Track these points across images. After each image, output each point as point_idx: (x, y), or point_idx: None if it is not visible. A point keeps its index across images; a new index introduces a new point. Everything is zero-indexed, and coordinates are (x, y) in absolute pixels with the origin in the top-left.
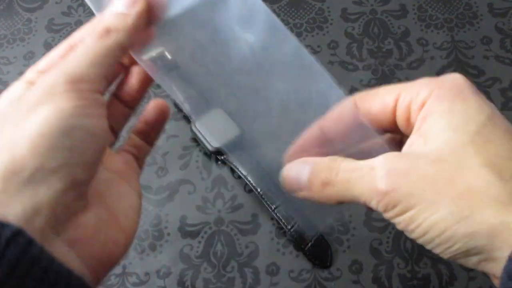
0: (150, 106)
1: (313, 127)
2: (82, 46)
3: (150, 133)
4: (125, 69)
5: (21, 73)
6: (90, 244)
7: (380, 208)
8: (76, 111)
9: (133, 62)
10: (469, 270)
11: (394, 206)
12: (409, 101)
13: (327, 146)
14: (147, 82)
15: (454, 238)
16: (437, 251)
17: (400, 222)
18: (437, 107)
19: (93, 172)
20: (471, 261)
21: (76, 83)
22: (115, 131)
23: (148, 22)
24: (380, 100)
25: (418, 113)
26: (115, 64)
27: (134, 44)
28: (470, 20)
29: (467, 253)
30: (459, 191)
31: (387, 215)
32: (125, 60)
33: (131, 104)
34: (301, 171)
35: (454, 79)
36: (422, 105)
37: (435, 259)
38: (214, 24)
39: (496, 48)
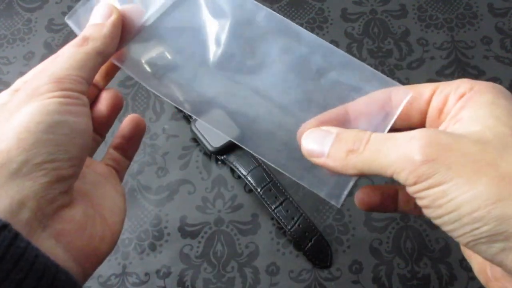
0: (126, 121)
1: (340, 107)
2: (64, 54)
3: (128, 147)
4: (99, 93)
5: (21, 73)
6: (76, 238)
7: (410, 179)
8: (61, 108)
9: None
10: (469, 270)
11: (427, 178)
12: (448, 93)
13: (346, 126)
14: (116, 108)
15: (486, 219)
16: (458, 232)
17: (429, 195)
18: (478, 98)
19: (77, 168)
20: (493, 248)
21: (59, 82)
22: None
23: (126, 30)
24: (416, 90)
25: (456, 103)
26: (95, 70)
27: (111, 50)
28: (470, 20)
29: (493, 237)
30: (501, 172)
31: (415, 188)
32: (101, 83)
33: (101, 131)
34: (324, 137)
35: (494, 84)
36: (461, 96)
37: (435, 259)
38: (192, 22)
39: (496, 48)
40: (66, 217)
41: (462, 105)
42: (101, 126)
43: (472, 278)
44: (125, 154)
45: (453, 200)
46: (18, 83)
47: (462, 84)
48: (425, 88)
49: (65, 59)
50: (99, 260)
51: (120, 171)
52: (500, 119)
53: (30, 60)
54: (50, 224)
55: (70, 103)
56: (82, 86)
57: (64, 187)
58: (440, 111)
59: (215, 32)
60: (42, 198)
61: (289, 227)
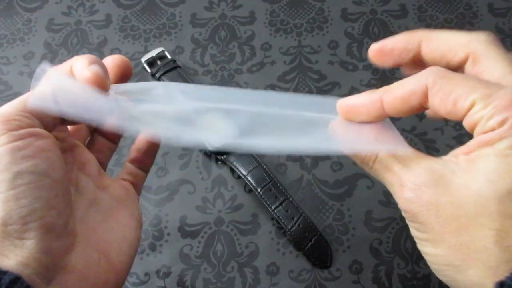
0: (142, 136)
1: (376, 95)
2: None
3: (144, 160)
4: None
5: (21, 73)
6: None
7: (402, 212)
8: (14, 155)
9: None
10: None
11: (409, 221)
12: (477, 120)
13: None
14: None
15: (439, 273)
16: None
17: (411, 230)
18: (490, 149)
19: (61, 209)
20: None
21: (7, 122)
22: (103, 164)
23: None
24: (453, 96)
25: (478, 135)
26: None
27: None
28: (470, 20)
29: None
30: (460, 243)
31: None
32: None
33: (114, 138)
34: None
35: None
36: (486, 131)
37: None
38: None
39: None
40: (68, 267)
41: (478, 145)
42: (111, 133)
43: None
44: (141, 167)
45: (422, 247)
46: None
47: (496, 115)
48: (463, 102)
49: (13, 101)
50: None
51: (137, 185)
52: (496, 179)
53: (30, 60)
54: (53, 277)
55: (23, 146)
56: (33, 121)
57: (57, 232)
58: (471, 129)
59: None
60: (42, 254)
61: (289, 227)
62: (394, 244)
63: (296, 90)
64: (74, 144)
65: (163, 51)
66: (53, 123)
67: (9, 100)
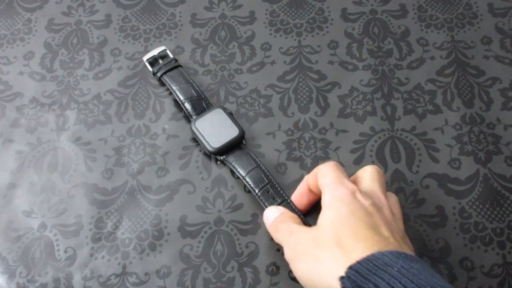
0: None
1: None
2: None
3: None
4: None
5: (21, 73)
6: None
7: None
8: None
9: None
10: (469, 270)
11: (288, 261)
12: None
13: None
14: None
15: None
16: None
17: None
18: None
19: None
20: None
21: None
22: None
23: None
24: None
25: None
26: None
27: None
28: (470, 20)
29: None
30: (314, 260)
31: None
32: None
33: None
34: (273, 213)
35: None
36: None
37: (435, 259)
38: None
39: (496, 48)
40: None
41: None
42: None
43: (472, 278)
44: None
45: (295, 273)
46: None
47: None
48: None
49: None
50: None
51: None
52: (333, 219)
53: (30, 60)
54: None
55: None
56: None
57: None
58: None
59: None
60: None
61: None
62: None
63: (296, 90)
64: None
65: (164, 50)
66: None
67: (9, 100)
